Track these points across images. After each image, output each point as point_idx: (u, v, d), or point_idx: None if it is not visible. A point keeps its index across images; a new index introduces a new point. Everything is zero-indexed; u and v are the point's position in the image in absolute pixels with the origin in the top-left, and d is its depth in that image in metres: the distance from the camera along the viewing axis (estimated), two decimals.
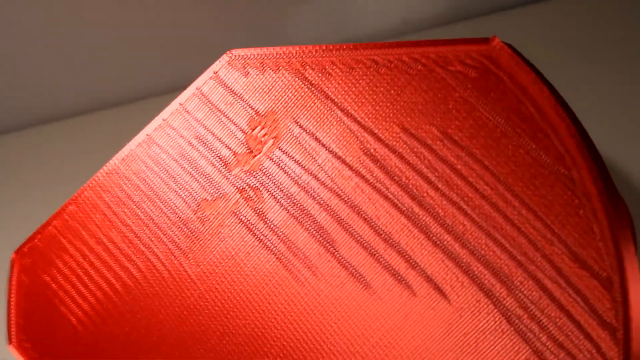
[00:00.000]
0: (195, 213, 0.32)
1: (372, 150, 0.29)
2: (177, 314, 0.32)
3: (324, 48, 0.30)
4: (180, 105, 0.33)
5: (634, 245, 0.25)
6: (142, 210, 0.33)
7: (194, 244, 0.32)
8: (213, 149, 0.32)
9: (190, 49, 0.60)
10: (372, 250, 0.29)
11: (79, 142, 0.61)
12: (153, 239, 0.33)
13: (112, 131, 0.61)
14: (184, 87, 0.62)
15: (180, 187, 0.32)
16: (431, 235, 0.28)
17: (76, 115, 0.64)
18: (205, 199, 0.32)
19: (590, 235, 0.25)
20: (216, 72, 0.32)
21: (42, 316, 0.34)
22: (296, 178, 0.30)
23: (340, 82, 0.30)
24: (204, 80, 0.33)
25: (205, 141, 0.32)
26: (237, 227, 0.31)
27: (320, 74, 0.30)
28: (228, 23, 0.58)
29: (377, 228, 0.29)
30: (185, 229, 0.32)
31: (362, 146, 0.29)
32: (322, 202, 0.30)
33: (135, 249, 0.33)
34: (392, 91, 0.29)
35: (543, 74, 0.27)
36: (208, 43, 0.60)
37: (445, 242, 0.27)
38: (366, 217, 0.29)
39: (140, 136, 0.34)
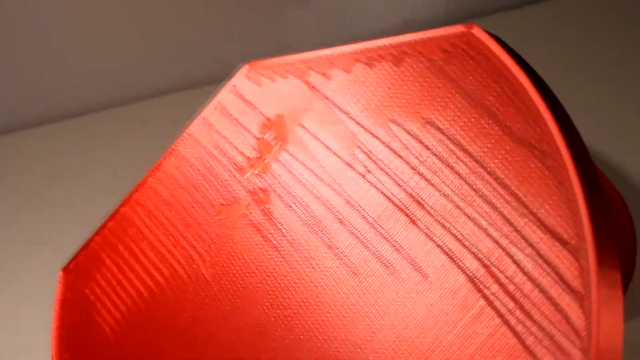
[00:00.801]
0: (213, 218, 0.34)
1: (365, 143, 0.30)
2: (193, 317, 0.33)
3: (325, 52, 0.32)
4: (205, 119, 0.35)
5: (610, 215, 0.24)
6: (169, 222, 0.35)
7: (211, 247, 0.33)
8: (230, 156, 0.34)
9: (191, 50, 0.61)
10: (362, 238, 0.29)
11: (91, 140, 0.63)
12: (177, 246, 0.34)
13: (123, 129, 0.63)
14: (186, 87, 0.63)
15: (203, 196, 0.34)
16: (415, 218, 0.28)
17: (83, 114, 0.65)
18: (222, 203, 0.34)
19: (560, 205, 0.25)
20: (235, 85, 0.35)
21: (81, 327, 0.36)
22: (299, 177, 0.32)
23: (339, 82, 0.31)
24: (225, 94, 0.35)
25: (223, 150, 0.34)
26: (247, 228, 0.33)
27: (321, 77, 0.32)
28: (229, 24, 0.59)
29: (366, 216, 0.29)
30: (203, 234, 0.34)
31: (356, 141, 0.30)
32: (320, 196, 0.31)
33: (161, 257, 0.35)
34: (383, 85, 0.30)
35: (524, 58, 0.28)
36: (208, 44, 0.61)
37: (427, 224, 0.28)
38: (357, 206, 0.30)
39: (172, 151, 0.36)
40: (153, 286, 0.34)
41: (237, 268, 0.32)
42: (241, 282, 0.32)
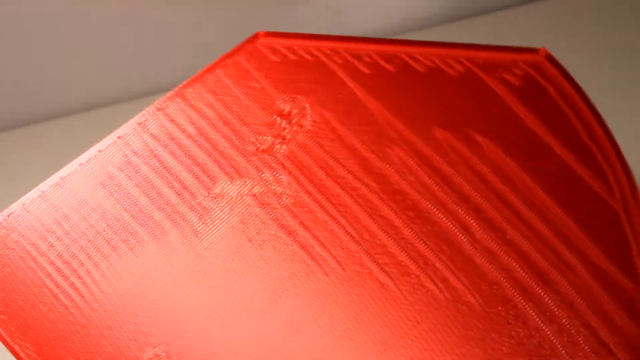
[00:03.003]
0: (210, 193, 0.31)
1: (406, 146, 0.29)
2: (184, 295, 0.30)
3: (360, 39, 0.30)
4: (201, 83, 0.32)
5: None
6: (149, 185, 0.32)
7: (206, 224, 0.31)
8: (234, 130, 0.31)
9: (186, 48, 0.59)
10: (400, 247, 0.28)
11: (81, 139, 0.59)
12: (160, 215, 0.31)
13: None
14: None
15: (195, 164, 0.31)
16: (465, 234, 0.28)
17: (77, 113, 0.62)
18: (222, 179, 0.31)
19: (628, 250, 0.25)
20: (243, 53, 0.32)
21: (23, 289, 0.32)
22: (323, 167, 0.30)
23: (376, 75, 0.30)
24: (228, 60, 0.32)
25: (226, 121, 0.31)
26: (254, 211, 0.30)
27: (354, 65, 0.30)
28: (225, 23, 0.57)
29: (406, 224, 0.28)
30: (197, 208, 0.31)
31: (395, 141, 0.29)
32: (349, 193, 0.29)
33: (138, 225, 0.31)
34: (431, 90, 0.29)
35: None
36: (205, 41, 0.59)
37: (479, 244, 0.27)
38: (396, 212, 0.29)
39: (150, 110, 0.32)
40: (127, 255, 0.31)
41: (242, 251, 0.30)
42: (245, 265, 0.30)
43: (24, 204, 0.33)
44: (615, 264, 0.26)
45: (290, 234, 0.30)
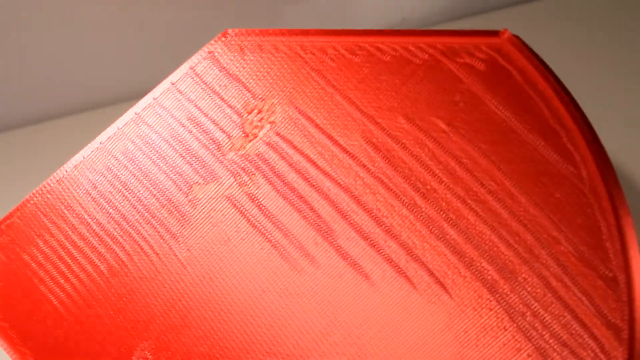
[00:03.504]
0: (187, 196, 0.31)
1: (374, 139, 0.28)
2: (166, 298, 0.31)
3: (326, 32, 0.30)
4: (172, 84, 0.32)
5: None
6: (129, 191, 0.32)
7: (185, 227, 0.31)
8: (206, 131, 0.31)
9: (186, 48, 0.59)
10: (372, 242, 0.28)
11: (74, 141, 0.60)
12: (140, 220, 0.31)
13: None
14: None
15: (171, 168, 0.31)
16: (434, 228, 0.27)
17: (70, 114, 0.62)
18: (197, 182, 0.31)
19: (598, 234, 0.25)
20: (211, 52, 0.31)
21: (21, 296, 0.33)
22: (294, 164, 0.30)
23: (342, 67, 0.29)
24: (198, 60, 0.32)
25: (198, 123, 0.31)
26: (230, 212, 0.30)
27: (321, 59, 0.29)
28: (224, 22, 0.57)
29: (377, 219, 0.28)
30: (175, 212, 0.31)
31: (364, 134, 0.29)
32: (320, 190, 0.29)
33: (121, 231, 0.32)
34: (396, 80, 0.28)
35: (552, 70, 0.27)
36: (202, 42, 0.59)
37: (448, 236, 0.27)
38: (366, 207, 0.28)
39: (128, 114, 0.32)
40: (113, 261, 0.31)
41: (219, 254, 0.30)
42: (224, 269, 0.30)
43: (18, 213, 0.33)
44: (587, 249, 0.25)
45: (263, 233, 0.29)
